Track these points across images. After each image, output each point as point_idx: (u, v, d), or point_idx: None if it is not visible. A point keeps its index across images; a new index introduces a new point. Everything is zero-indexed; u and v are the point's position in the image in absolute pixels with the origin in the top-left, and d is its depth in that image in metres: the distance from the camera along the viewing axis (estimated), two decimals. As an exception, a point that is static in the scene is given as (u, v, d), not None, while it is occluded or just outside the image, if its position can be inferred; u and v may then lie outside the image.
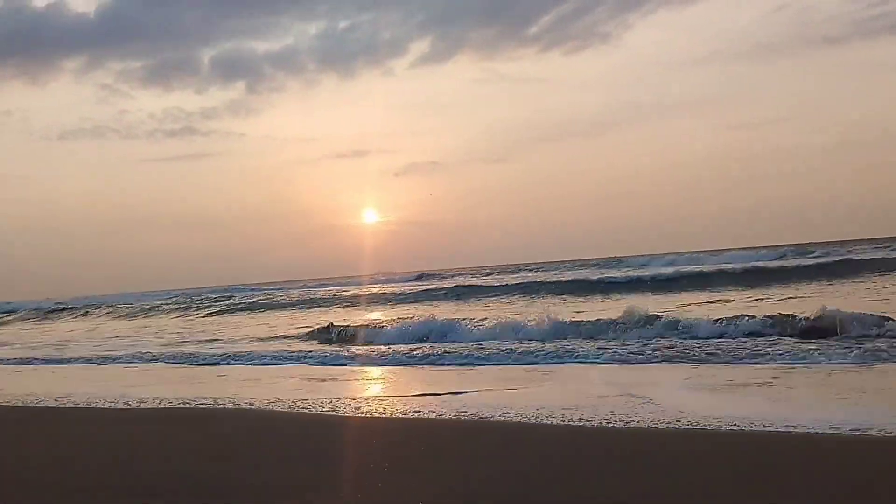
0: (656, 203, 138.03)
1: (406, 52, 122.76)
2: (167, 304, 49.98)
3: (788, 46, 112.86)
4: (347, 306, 40.26)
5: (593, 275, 42.43)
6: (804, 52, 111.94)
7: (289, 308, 41.26)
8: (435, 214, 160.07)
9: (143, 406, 11.57)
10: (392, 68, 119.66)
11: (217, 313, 41.09)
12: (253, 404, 10.95)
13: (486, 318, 21.90)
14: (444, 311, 27.72)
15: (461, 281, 48.90)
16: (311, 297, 46.41)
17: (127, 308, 50.53)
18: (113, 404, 11.91)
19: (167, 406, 11.47)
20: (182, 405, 11.39)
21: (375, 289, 52.28)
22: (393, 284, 58.40)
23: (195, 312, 43.24)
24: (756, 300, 24.13)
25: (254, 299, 47.52)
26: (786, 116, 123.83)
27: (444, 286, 44.42)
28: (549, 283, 37.98)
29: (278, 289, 64.19)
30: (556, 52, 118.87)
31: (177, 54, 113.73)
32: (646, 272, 39.86)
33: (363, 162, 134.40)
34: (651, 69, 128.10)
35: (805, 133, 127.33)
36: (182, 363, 18.21)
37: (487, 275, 59.54)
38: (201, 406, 11.22)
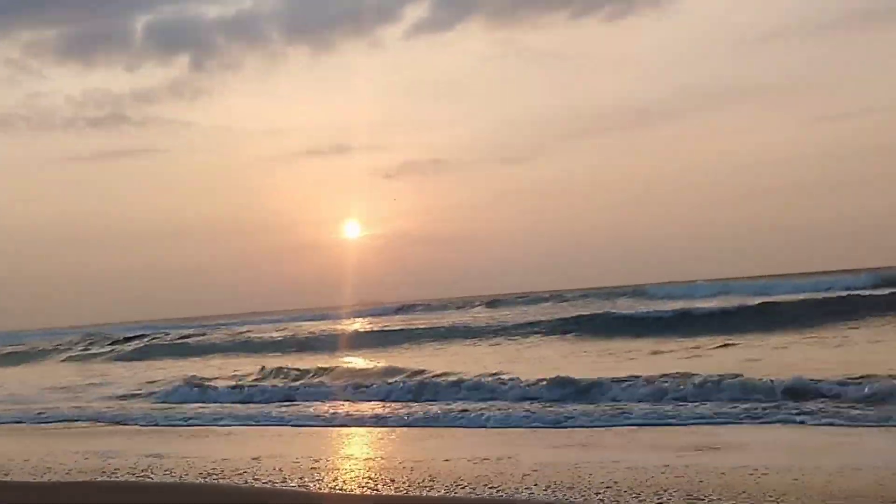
0: (717, 215, 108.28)
1: (399, 19, 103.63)
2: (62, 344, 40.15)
3: (891, 15, 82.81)
4: (292, 351, 31.67)
5: (627, 306, 35.92)
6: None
7: (210, 353, 31.25)
8: (437, 227, 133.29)
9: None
10: (381, 39, 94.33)
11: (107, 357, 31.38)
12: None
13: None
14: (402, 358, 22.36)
15: (456, 318, 39.34)
16: (252, 336, 36.59)
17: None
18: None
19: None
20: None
21: (341, 325, 42.13)
22: (370, 318, 48.34)
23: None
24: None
25: (176, 338, 37.52)
26: (886, 105, 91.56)
27: (423, 324, 35.38)
28: (571, 318, 30.23)
29: (218, 325, 53.17)
30: (593, 19, 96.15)
31: (102, 21, 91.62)
32: (702, 303, 31.45)
33: (345, 160, 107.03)
34: (714, 44, 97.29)
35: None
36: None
37: (492, 305, 48.69)
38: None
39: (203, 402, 16.60)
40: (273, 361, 22.45)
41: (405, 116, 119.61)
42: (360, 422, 13.14)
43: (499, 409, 12.74)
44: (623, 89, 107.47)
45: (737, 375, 12.97)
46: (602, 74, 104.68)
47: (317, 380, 18.50)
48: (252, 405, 15.69)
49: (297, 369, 20.11)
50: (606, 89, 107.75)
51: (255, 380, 19.52)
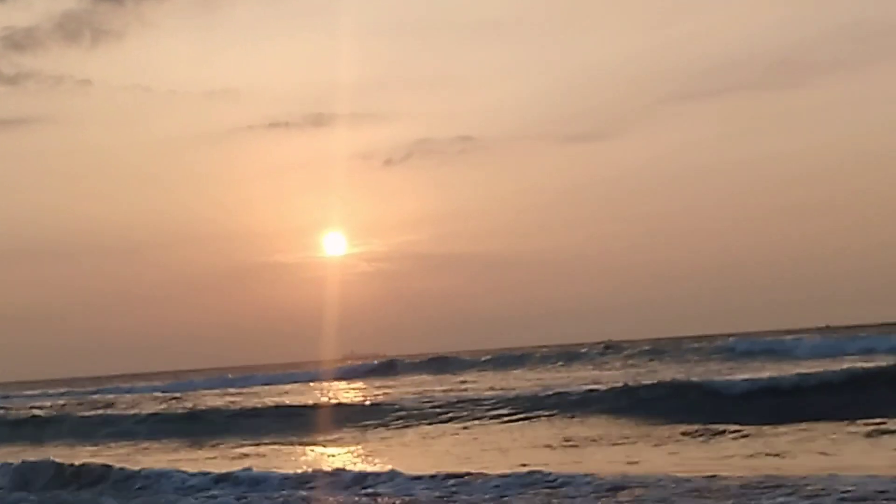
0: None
1: None
2: None
3: None
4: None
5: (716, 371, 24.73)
6: None
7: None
8: (462, 242, 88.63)
9: None
10: None
11: None
12: None
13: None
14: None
15: (460, 390, 26.38)
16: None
17: None
18: None
19: None
20: None
21: (278, 396, 30.45)
22: (342, 383, 37.26)
23: None
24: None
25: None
26: None
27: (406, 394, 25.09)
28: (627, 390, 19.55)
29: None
30: None
31: None
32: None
33: (324, 138, 70.85)
34: None
35: None
36: None
37: (518, 360, 38.26)
38: None
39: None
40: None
41: (415, 73, 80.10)
42: None
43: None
44: (753, 32, 72.30)
45: None
46: (720, 10, 70.90)
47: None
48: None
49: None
50: (727, 33, 72.31)
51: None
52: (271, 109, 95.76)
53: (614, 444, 14.04)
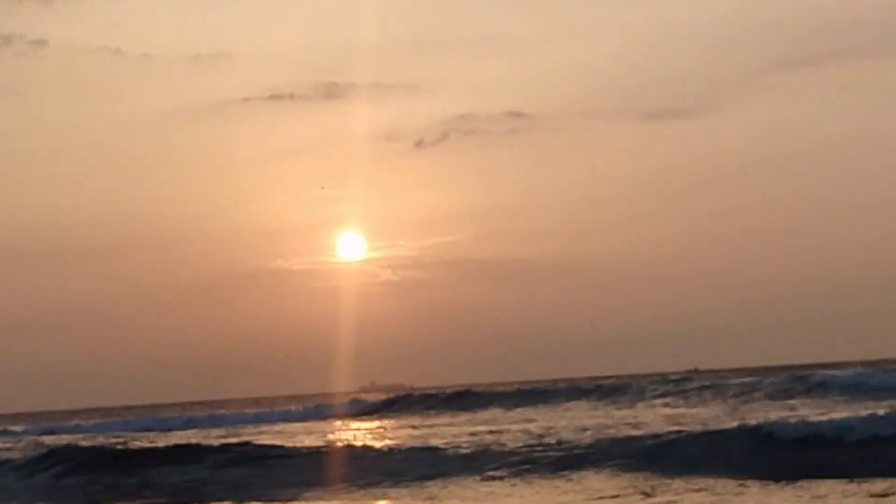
0: None
1: None
2: None
3: None
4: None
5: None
6: None
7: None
8: (514, 244, 69.52)
9: None
10: None
11: None
12: None
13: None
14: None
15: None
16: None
17: None
18: None
19: None
20: None
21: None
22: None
23: None
24: None
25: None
26: None
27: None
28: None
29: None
30: None
31: None
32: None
33: (339, 114, 59.73)
34: None
35: None
36: None
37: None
38: None
39: None
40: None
41: (453, 34, 66.00)
42: None
43: None
44: None
45: None
46: None
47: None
48: None
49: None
50: None
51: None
52: (273, 78, 77.30)
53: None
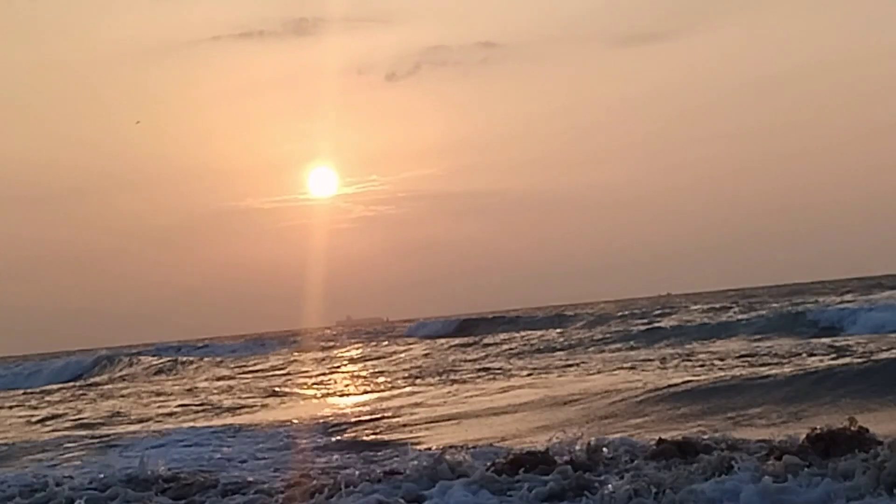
0: None
1: None
2: None
3: None
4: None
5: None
6: None
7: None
8: (485, 177, 70.16)
9: None
10: None
11: None
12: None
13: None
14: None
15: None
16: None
17: None
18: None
19: None
20: None
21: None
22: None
23: None
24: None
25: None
26: None
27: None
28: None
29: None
30: None
31: None
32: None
33: (309, 49, 58.10)
34: None
35: None
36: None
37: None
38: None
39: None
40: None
41: None
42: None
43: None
44: None
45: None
46: None
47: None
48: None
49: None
50: None
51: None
52: (241, 14, 76.89)
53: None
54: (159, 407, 19.35)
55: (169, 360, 35.12)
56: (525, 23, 65.62)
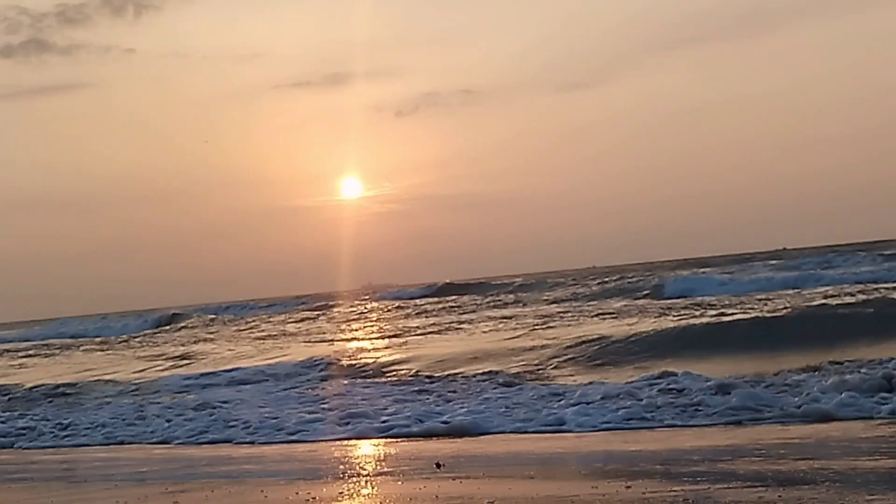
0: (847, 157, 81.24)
1: None
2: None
3: None
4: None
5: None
6: None
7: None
8: (466, 184, 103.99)
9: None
10: None
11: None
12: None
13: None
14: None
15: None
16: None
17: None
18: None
19: None
20: None
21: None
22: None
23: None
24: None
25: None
26: None
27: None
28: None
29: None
30: None
31: None
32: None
33: (342, 94, 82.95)
34: None
35: None
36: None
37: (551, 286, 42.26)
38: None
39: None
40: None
41: (422, 31, 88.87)
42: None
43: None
44: None
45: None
46: None
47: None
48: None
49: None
50: None
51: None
52: (291, 71, 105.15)
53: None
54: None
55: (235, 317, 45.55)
56: (493, 75, 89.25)
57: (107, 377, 20.12)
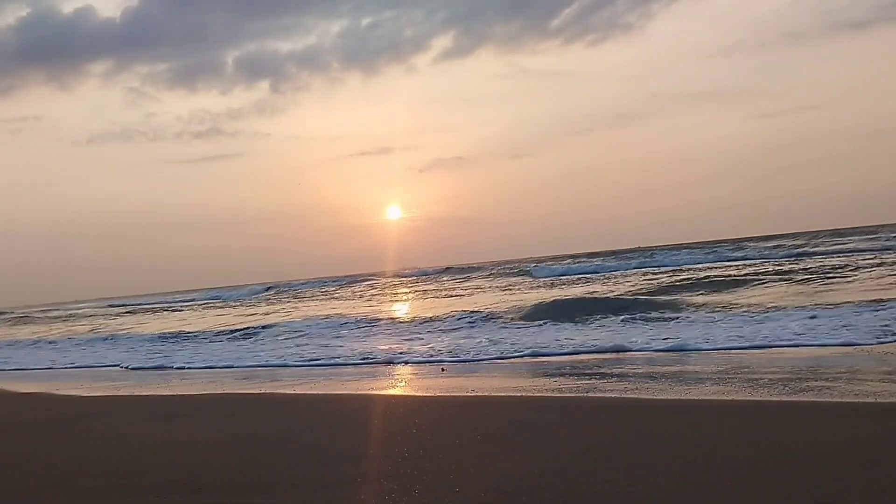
0: (683, 195, 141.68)
1: (429, 48, 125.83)
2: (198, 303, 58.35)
3: (814, 33, 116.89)
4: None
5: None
6: (830, 39, 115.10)
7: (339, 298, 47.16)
8: (460, 211, 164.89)
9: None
10: (415, 65, 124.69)
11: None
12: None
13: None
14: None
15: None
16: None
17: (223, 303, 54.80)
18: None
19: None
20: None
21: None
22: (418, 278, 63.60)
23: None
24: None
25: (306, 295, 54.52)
26: (815, 104, 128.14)
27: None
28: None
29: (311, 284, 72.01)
30: (579, 45, 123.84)
31: (201, 56, 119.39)
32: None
33: (387, 159, 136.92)
34: (675, 59, 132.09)
35: (836, 120, 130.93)
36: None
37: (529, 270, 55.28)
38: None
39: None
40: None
41: (434, 123, 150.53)
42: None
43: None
44: (605, 98, 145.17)
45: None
46: (588, 87, 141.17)
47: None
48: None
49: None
50: (591, 98, 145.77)
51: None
52: (359, 145, 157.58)
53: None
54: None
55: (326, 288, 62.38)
56: (474, 148, 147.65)
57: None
